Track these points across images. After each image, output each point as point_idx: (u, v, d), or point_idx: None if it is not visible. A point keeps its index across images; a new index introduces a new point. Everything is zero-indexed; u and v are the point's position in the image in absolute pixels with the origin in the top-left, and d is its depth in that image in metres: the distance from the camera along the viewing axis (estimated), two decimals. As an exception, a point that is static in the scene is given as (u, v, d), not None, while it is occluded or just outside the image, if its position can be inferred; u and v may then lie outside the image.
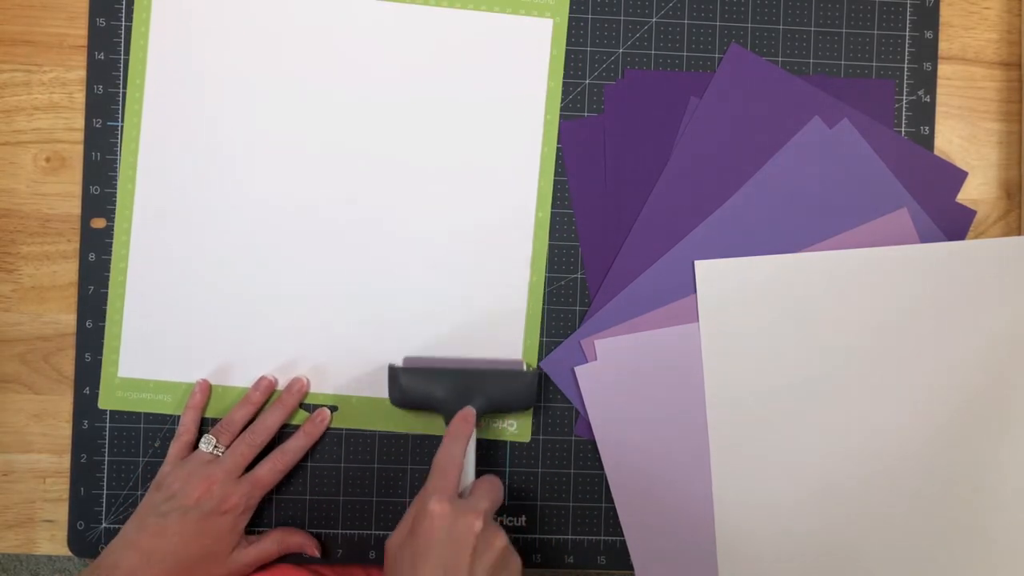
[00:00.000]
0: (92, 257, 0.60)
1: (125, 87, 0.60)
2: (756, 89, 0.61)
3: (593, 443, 0.61)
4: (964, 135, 0.63)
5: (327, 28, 0.60)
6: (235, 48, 0.60)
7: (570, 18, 0.61)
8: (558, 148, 0.61)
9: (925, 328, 0.59)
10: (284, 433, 0.59)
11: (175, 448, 0.58)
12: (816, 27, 0.62)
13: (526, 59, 0.61)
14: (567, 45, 0.61)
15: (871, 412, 0.59)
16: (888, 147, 0.61)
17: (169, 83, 0.60)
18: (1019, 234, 0.63)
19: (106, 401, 0.60)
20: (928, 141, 0.62)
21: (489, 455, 0.61)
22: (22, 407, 0.60)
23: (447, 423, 0.55)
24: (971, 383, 0.59)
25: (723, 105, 0.61)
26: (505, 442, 0.61)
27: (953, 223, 0.61)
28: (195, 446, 0.58)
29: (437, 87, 0.60)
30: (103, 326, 0.60)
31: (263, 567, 0.58)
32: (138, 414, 0.60)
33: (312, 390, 0.60)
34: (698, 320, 0.60)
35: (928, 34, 0.62)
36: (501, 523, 0.60)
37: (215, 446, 0.57)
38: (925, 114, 0.62)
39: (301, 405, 0.60)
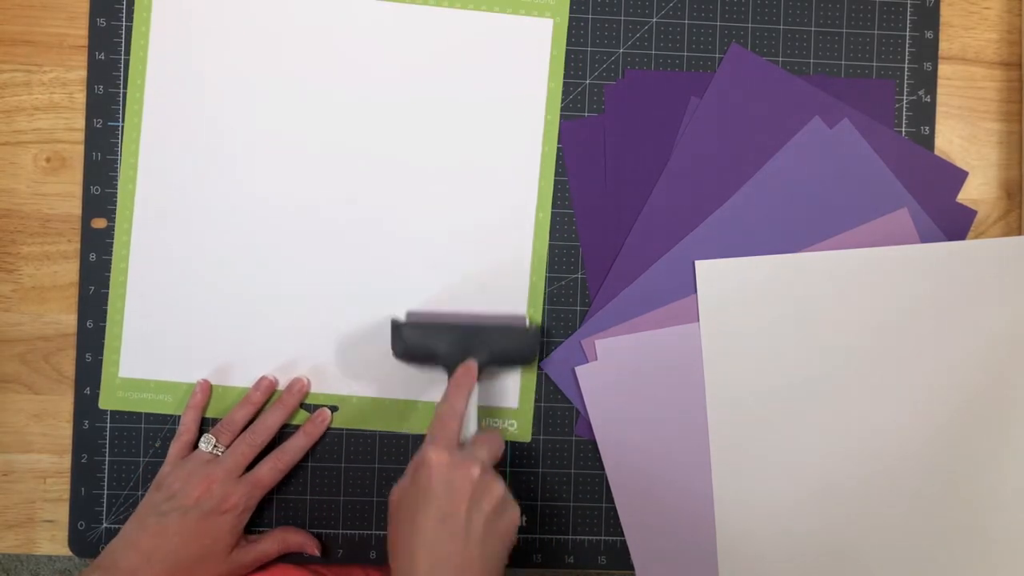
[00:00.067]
0: (92, 257, 0.60)
1: (125, 87, 0.60)
2: (756, 89, 0.61)
3: (593, 443, 0.61)
4: (964, 135, 0.63)
5: (327, 28, 0.60)
6: (235, 48, 0.60)
7: (570, 18, 0.61)
8: (558, 148, 0.61)
9: (925, 328, 0.59)
10: (284, 433, 0.60)
11: (175, 448, 0.58)
12: (816, 27, 0.62)
13: (526, 59, 0.61)
14: (567, 45, 0.61)
15: (871, 412, 0.59)
16: (888, 147, 0.61)
17: (169, 83, 0.60)
18: (1019, 234, 0.63)
19: (106, 401, 0.60)
20: (928, 141, 0.62)
21: (489, 455, 0.61)
22: (22, 407, 0.61)
23: (449, 377, 0.55)
24: (971, 383, 0.59)
25: (723, 105, 0.61)
26: (505, 442, 0.61)
27: (953, 223, 0.61)
28: (195, 446, 0.58)
29: (437, 87, 0.60)
30: (103, 326, 0.60)
31: (263, 567, 0.58)
32: (138, 414, 0.60)
33: (312, 390, 0.60)
34: (698, 320, 0.60)
35: (928, 34, 0.62)
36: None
37: (215, 446, 0.57)
38: (925, 114, 0.62)
39: (301, 405, 0.60)
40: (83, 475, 0.60)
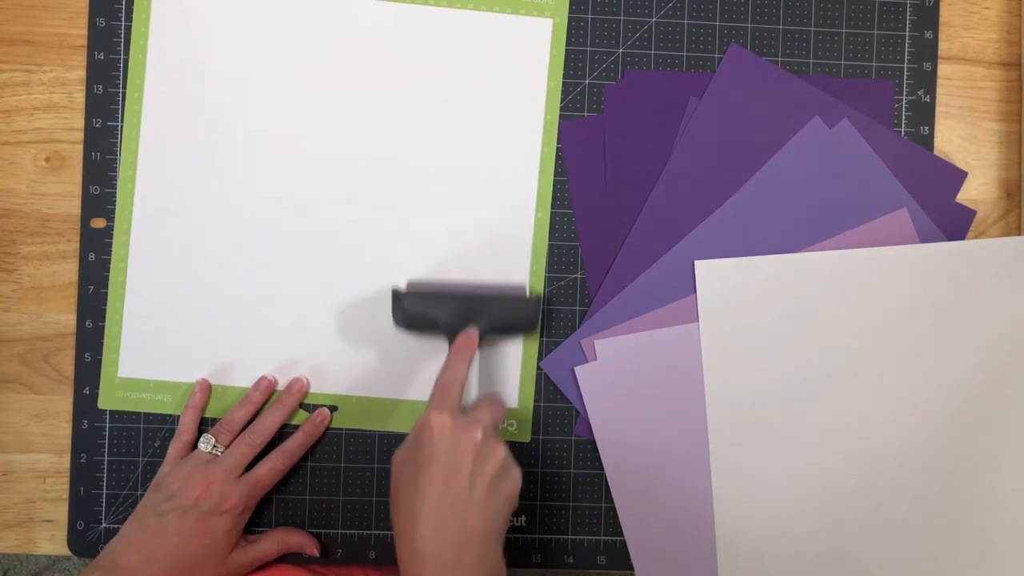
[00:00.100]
0: (92, 257, 0.60)
1: (125, 87, 0.60)
2: (756, 89, 0.61)
3: (593, 443, 0.61)
4: (964, 135, 0.63)
5: (327, 28, 0.60)
6: (235, 48, 0.60)
7: (570, 18, 0.61)
8: (558, 148, 0.61)
9: (925, 328, 0.59)
10: (284, 433, 0.59)
11: (175, 448, 0.58)
12: (816, 27, 0.62)
13: (526, 59, 0.61)
14: (567, 45, 0.61)
15: (871, 412, 0.59)
16: (888, 147, 0.61)
17: (169, 83, 0.60)
18: (1019, 234, 0.63)
19: (106, 401, 0.60)
20: (928, 141, 0.62)
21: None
22: (22, 407, 0.60)
23: (450, 345, 0.55)
24: (971, 383, 0.59)
25: (723, 105, 0.61)
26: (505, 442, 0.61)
27: (953, 223, 0.61)
28: (195, 446, 0.58)
29: (437, 87, 0.60)
30: (103, 326, 0.60)
31: (262, 567, 0.58)
32: (138, 414, 0.60)
33: (312, 390, 0.60)
34: (698, 320, 0.60)
35: (928, 34, 0.62)
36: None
37: (214, 446, 0.57)
38: (925, 114, 0.62)
39: (301, 405, 0.60)
40: (82, 475, 0.60)
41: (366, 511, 0.61)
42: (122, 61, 0.60)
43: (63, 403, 0.60)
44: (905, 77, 0.62)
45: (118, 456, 0.60)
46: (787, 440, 0.60)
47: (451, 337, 0.56)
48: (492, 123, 0.60)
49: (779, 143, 0.61)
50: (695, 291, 0.60)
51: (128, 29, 0.60)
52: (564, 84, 0.61)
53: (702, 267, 0.60)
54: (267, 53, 0.60)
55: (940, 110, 0.62)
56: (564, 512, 0.61)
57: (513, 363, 0.61)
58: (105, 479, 0.60)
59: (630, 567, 0.60)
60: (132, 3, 0.60)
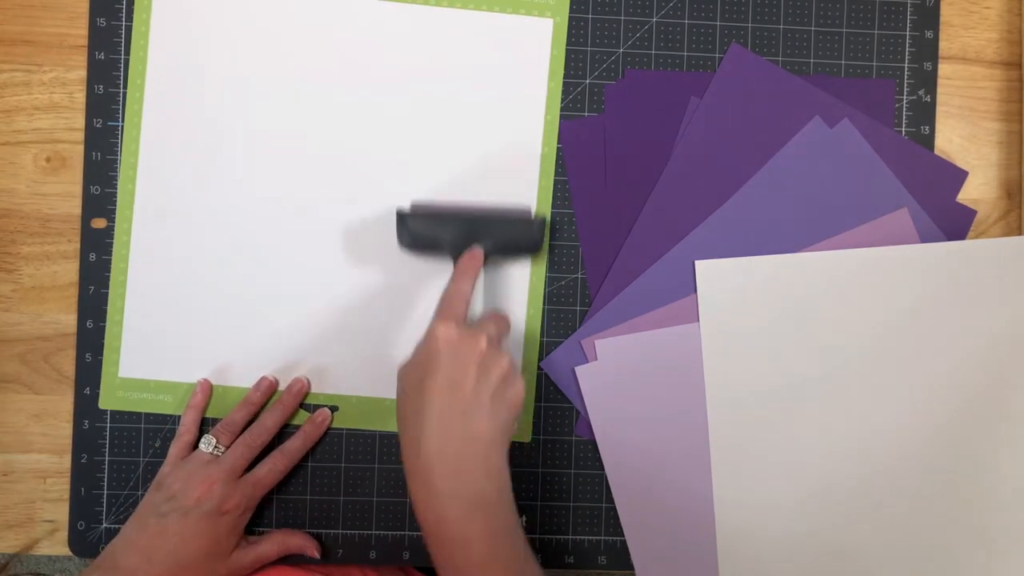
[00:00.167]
0: (92, 257, 0.60)
1: (125, 87, 0.60)
2: (756, 89, 0.61)
3: (593, 443, 0.61)
4: (964, 135, 0.63)
5: (327, 28, 0.60)
6: (235, 48, 0.60)
7: (570, 18, 0.61)
8: (558, 148, 0.61)
9: (925, 328, 0.59)
10: (285, 433, 0.60)
11: (175, 448, 0.58)
12: (816, 27, 0.61)
13: (526, 59, 0.61)
14: (567, 45, 0.61)
15: (871, 412, 0.59)
16: (888, 147, 0.61)
17: (169, 83, 0.60)
18: (1019, 234, 0.63)
19: (106, 401, 0.60)
20: (928, 141, 0.62)
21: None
22: (22, 407, 0.61)
23: (455, 266, 0.56)
24: (971, 383, 0.59)
25: (723, 105, 0.61)
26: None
27: (953, 223, 0.61)
28: (195, 446, 0.58)
29: (437, 87, 0.60)
30: (103, 326, 0.60)
31: (261, 568, 0.58)
32: (138, 414, 0.60)
33: (312, 390, 0.60)
34: (698, 320, 0.60)
35: (928, 34, 0.62)
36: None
37: (215, 446, 0.57)
38: (925, 114, 0.62)
39: (301, 405, 0.60)
40: (83, 475, 0.60)
41: (366, 511, 0.61)
42: (122, 61, 0.60)
43: (63, 403, 0.60)
44: (905, 77, 0.62)
45: (119, 456, 0.60)
46: (787, 440, 0.60)
47: (455, 258, 0.56)
48: (492, 123, 0.60)
49: (779, 143, 0.61)
50: (695, 291, 0.60)
51: (128, 29, 0.60)
52: (564, 84, 0.61)
53: (702, 267, 0.60)
54: (267, 53, 0.60)
55: (940, 110, 0.62)
56: (564, 512, 0.61)
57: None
58: (106, 479, 0.60)
59: (630, 567, 0.60)
60: (132, 3, 0.60)
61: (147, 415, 0.60)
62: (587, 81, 0.61)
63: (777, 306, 0.60)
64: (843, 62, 0.62)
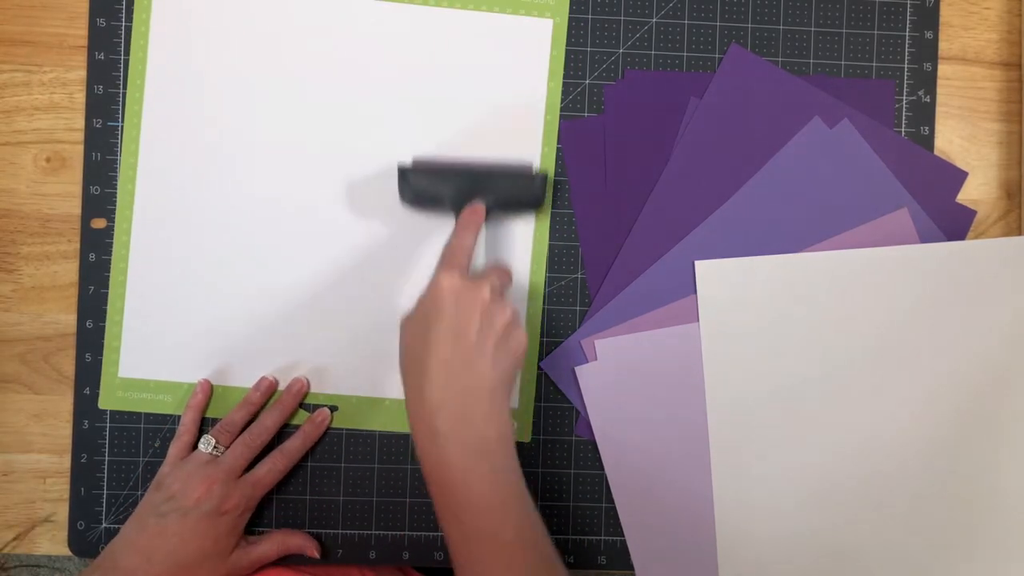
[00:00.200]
0: (92, 257, 0.60)
1: (125, 87, 0.60)
2: (756, 89, 0.61)
3: (593, 443, 0.61)
4: (964, 135, 0.63)
5: (327, 28, 0.60)
6: (235, 48, 0.60)
7: (570, 18, 0.61)
8: (558, 148, 0.61)
9: (925, 328, 0.59)
10: (284, 433, 0.60)
11: (175, 448, 0.58)
12: (816, 27, 0.62)
13: (526, 59, 0.61)
14: (567, 45, 0.61)
15: (871, 412, 0.59)
16: (888, 147, 0.61)
17: (169, 83, 0.60)
18: (1019, 234, 0.63)
19: (106, 401, 0.60)
20: (928, 141, 0.62)
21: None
22: (22, 407, 0.60)
23: (457, 220, 0.56)
24: (971, 383, 0.59)
25: (723, 105, 0.61)
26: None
27: (953, 223, 0.61)
28: (195, 446, 0.58)
29: (437, 87, 0.60)
30: (103, 326, 0.60)
31: (262, 568, 0.58)
32: (138, 414, 0.60)
33: (312, 390, 0.60)
34: (698, 320, 0.60)
35: (928, 34, 0.62)
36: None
37: (215, 447, 0.57)
38: (925, 114, 0.62)
39: (301, 405, 0.60)
40: (83, 475, 0.60)
41: (366, 511, 0.61)
42: (122, 61, 0.60)
43: (63, 403, 0.60)
44: (905, 77, 0.62)
45: (118, 456, 0.60)
46: (787, 440, 0.60)
47: (457, 213, 0.56)
48: (492, 123, 0.60)
49: (779, 143, 0.61)
50: (695, 291, 0.60)
51: (128, 29, 0.60)
52: (564, 84, 0.61)
53: (702, 267, 0.60)
54: (267, 53, 0.60)
55: (940, 110, 0.62)
56: (564, 512, 0.61)
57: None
58: (105, 479, 0.60)
59: (630, 567, 0.60)
60: (132, 3, 0.60)
61: (147, 415, 0.60)
62: (587, 81, 0.61)
63: (777, 306, 0.60)
64: (843, 62, 0.62)
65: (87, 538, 0.60)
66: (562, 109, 0.61)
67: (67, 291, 0.60)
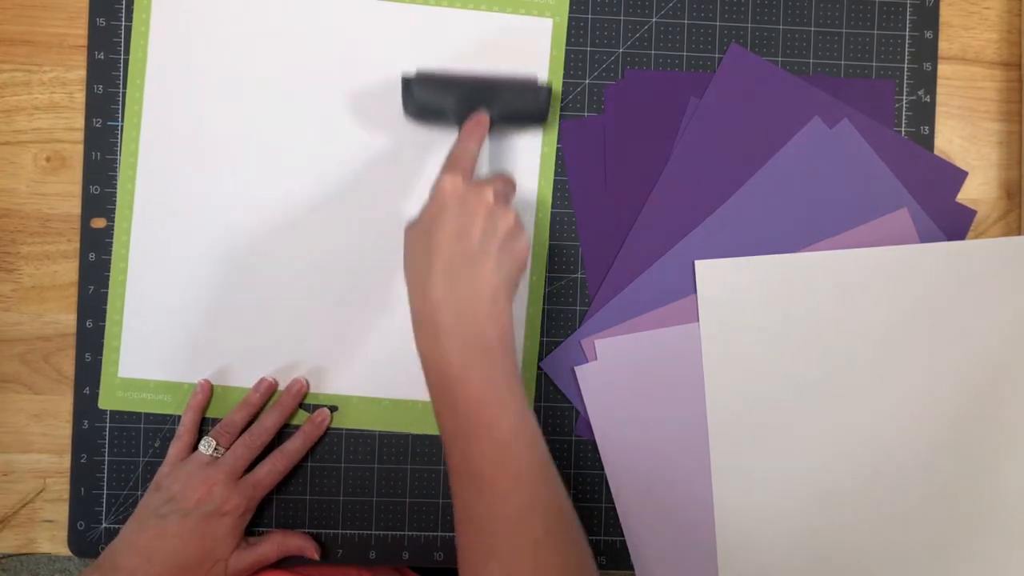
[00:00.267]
0: (92, 257, 0.60)
1: (125, 87, 0.60)
2: (756, 89, 0.61)
3: (593, 443, 0.61)
4: (964, 135, 0.63)
5: (327, 28, 0.60)
6: (235, 48, 0.60)
7: (570, 18, 0.61)
8: (558, 148, 0.61)
9: (925, 328, 0.59)
10: (285, 433, 0.60)
11: (175, 449, 0.58)
12: (816, 27, 0.62)
13: (526, 59, 0.61)
14: (567, 45, 0.61)
15: (871, 411, 0.59)
16: (888, 147, 0.61)
17: (169, 83, 0.60)
18: (1019, 234, 0.63)
19: (106, 401, 0.60)
20: (928, 141, 0.62)
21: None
22: (22, 407, 0.60)
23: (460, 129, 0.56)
24: (971, 383, 0.59)
25: (723, 105, 0.61)
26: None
27: (953, 223, 0.61)
28: (195, 447, 0.58)
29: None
30: (103, 326, 0.60)
31: (262, 569, 0.58)
32: (138, 414, 0.60)
33: (312, 390, 0.60)
34: (698, 320, 0.60)
35: (928, 34, 0.62)
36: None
37: (215, 448, 0.57)
38: (925, 114, 0.62)
39: (301, 405, 0.60)
40: (83, 475, 0.60)
41: (366, 511, 0.61)
42: (122, 61, 0.60)
43: (63, 403, 0.60)
44: (905, 77, 0.62)
45: (118, 456, 0.60)
46: (787, 440, 0.60)
47: (461, 126, 0.56)
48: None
49: (779, 143, 0.61)
50: (695, 291, 0.60)
51: (128, 29, 0.60)
52: (564, 84, 0.61)
53: (702, 267, 0.60)
54: (267, 53, 0.60)
55: (940, 110, 0.62)
56: (564, 512, 0.61)
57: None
58: (105, 479, 0.60)
59: (630, 567, 0.60)
60: (132, 3, 0.60)
61: (147, 415, 0.60)
62: (587, 81, 0.61)
63: (777, 306, 0.60)
64: (843, 62, 0.62)
65: (87, 538, 0.60)
66: (562, 109, 0.61)
67: (67, 291, 0.60)
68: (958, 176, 0.62)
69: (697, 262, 0.60)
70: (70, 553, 0.60)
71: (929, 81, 0.62)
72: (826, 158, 0.61)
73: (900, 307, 0.59)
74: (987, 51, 0.63)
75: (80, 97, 0.60)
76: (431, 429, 0.61)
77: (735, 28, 0.61)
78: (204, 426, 0.60)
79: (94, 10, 0.60)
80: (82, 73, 0.60)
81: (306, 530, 0.60)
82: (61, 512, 0.60)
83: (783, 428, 0.60)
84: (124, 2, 0.60)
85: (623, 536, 0.60)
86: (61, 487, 0.61)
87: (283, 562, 0.59)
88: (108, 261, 0.60)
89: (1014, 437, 0.58)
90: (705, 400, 0.60)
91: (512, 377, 0.49)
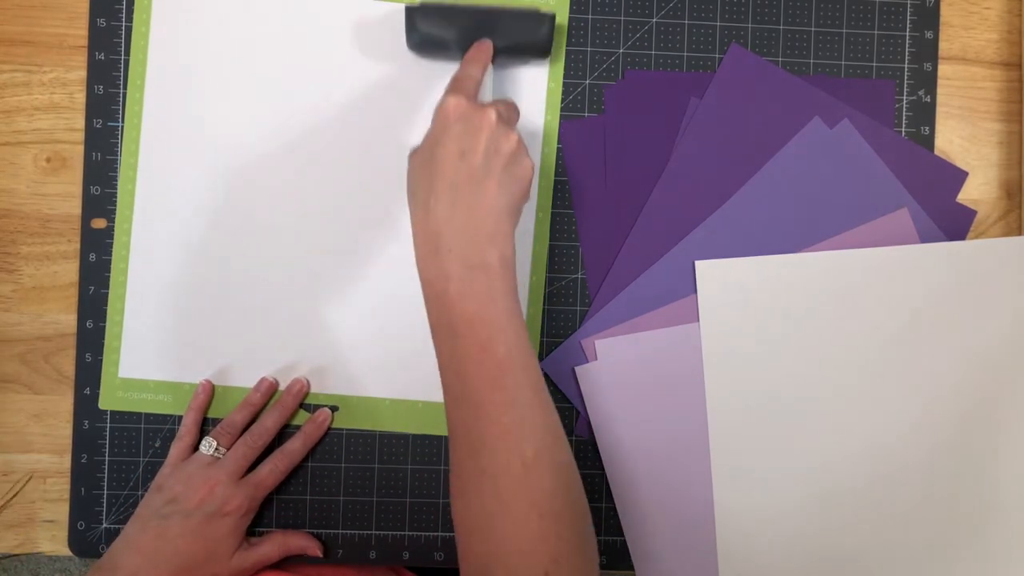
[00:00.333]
0: (92, 257, 0.60)
1: (125, 87, 0.60)
2: (756, 89, 0.61)
3: (593, 443, 0.61)
4: (964, 135, 0.63)
5: (327, 28, 0.60)
6: (235, 48, 0.60)
7: (570, 18, 0.61)
8: (558, 148, 0.61)
9: (925, 328, 0.59)
10: (286, 433, 0.60)
11: (176, 450, 0.58)
12: (816, 27, 0.62)
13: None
14: (567, 45, 0.61)
15: (871, 411, 0.59)
16: (888, 147, 0.61)
17: (169, 83, 0.60)
18: (1019, 234, 0.63)
19: (106, 401, 0.60)
20: (928, 141, 0.62)
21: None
22: (22, 407, 0.61)
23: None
24: (971, 383, 0.59)
25: (723, 105, 0.61)
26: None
27: (953, 223, 0.61)
28: (196, 448, 0.58)
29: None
30: (103, 326, 0.60)
31: (264, 569, 0.58)
32: (138, 414, 0.60)
33: (313, 390, 0.60)
34: (698, 320, 0.60)
35: (928, 34, 0.62)
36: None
37: (216, 449, 0.57)
38: (925, 114, 0.62)
39: (302, 405, 0.60)
40: (83, 475, 0.60)
41: (366, 511, 0.61)
42: (122, 61, 0.60)
43: (63, 403, 0.60)
44: (905, 77, 0.62)
45: (119, 456, 0.60)
46: (787, 440, 0.60)
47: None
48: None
49: (779, 143, 0.61)
50: (695, 291, 0.60)
51: (128, 29, 0.60)
52: (564, 84, 0.61)
53: (702, 267, 0.60)
54: (268, 53, 0.60)
55: (940, 110, 0.62)
56: (564, 512, 0.61)
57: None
58: (106, 479, 0.60)
59: (630, 567, 0.60)
60: (132, 3, 0.60)
61: (147, 415, 0.60)
62: (587, 81, 0.61)
63: (777, 306, 0.60)
64: (843, 62, 0.62)
65: (87, 538, 0.60)
66: (562, 109, 0.61)
67: (67, 291, 0.60)
68: (958, 176, 0.62)
69: (697, 262, 0.60)
70: (70, 553, 0.60)
71: (929, 81, 0.62)
72: (826, 158, 0.61)
73: (900, 307, 0.59)
74: (987, 51, 0.63)
75: (80, 98, 0.60)
76: (431, 429, 0.61)
77: (735, 28, 0.61)
78: (205, 426, 0.60)
79: (94, 10, 0.60)
80: (82, 74, 0.60)
81: (306, 530, 0.60)
82: (61, 512, 0.60)
83: (783, 428, 0.60)
84: (124, 3, 0.60)
85: (623, 536, 0.60)
86: (61, 487, 0.61)
87: (282, 562, 0.59)
88: (108, 261, 0.60)
89: (1014, 437, 0.58)
90: (705, 400, 0.60)
91: (511, 300, 0.49)
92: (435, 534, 0.61)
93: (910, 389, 0.59)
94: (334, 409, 0.60)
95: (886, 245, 0.60)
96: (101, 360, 0.60)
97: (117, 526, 0.60)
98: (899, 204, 0.61)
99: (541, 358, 0.61)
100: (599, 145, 0.61)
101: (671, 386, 0.60)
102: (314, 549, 0.59)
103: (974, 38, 0.63)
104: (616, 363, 0.60)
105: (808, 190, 0.61)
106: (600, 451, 0.60)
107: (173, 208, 0.60)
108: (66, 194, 0.60)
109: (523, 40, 0.57)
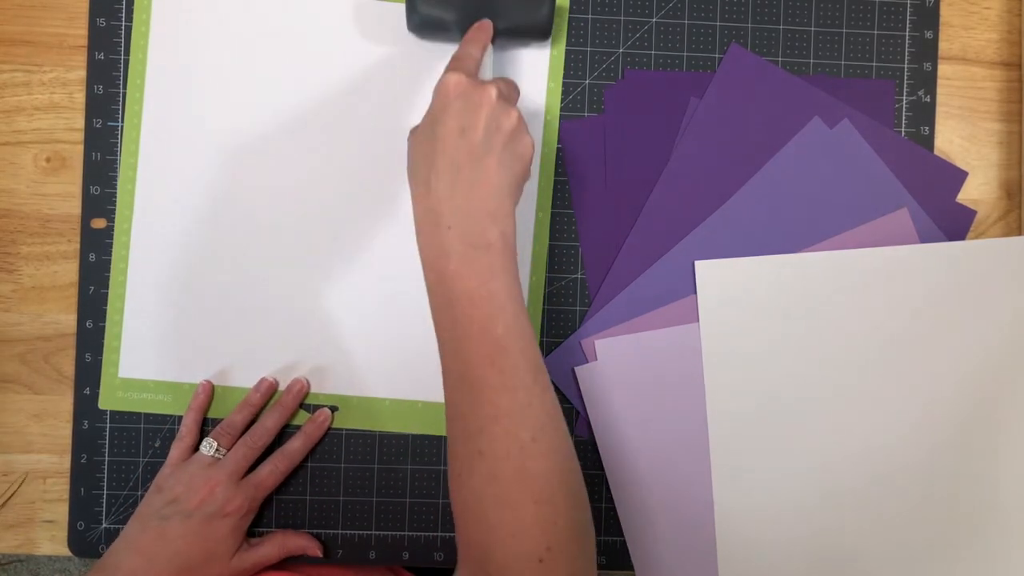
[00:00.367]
0: (92, 257, 0.60)
1: (125, 87, 0.60)
2: (756, 89, 0.61)
3: (593, 443, 0.61)
4: (964, 135, 0.63)
5: (328, 28, 0.60)
6: (235, 48, 0.60)
7: (570, 18, 0.61)
8: (558, 148, 0.61)
9: (925, 328, 0.59)
10: (286, 433, 0.60)
11: (176, 451, 0.58)
12: (816, 27, 0.62)
13: (526, 59, 0.61)
14: (567, 45, 0.61)
15: (871, 411, 0.59)
16: (888, 147, 0.61)
17: (169, 83, 0.60)
18: (1019, 234, 0.63)
19: (106, 401, 0.60)
20: (928, 141, 0.62)
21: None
22: (22, 407, 0.60)
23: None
24: (971, 383, 0.59)
25: (723, 105, 0.61)
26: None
27: (953, 223, 0.61)
28: (196, 449, 0.58)
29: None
30: (103, 326, 0.60)
31: (264, 569, 0.58)
32: (138, 414, 0.60)
33: (313, 390, 0.60)
34: (698, 320, 0.60)
35: (928, 34, 0.62)
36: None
37: (216, 449, 0.57)
38: (925, 114, 0.62)
39: (302, 405, 0.60)
40: (83, 475, 0.60)
41: (366, 511, 0.61)
42: (122, 61, 0.60)
43: (63, 403, 0.60)
44: (905, 77, 0.62)
45: (118, 456, 0.60)
46: (787, 440, 0.60)
47: None
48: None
49: (779, 143, 0.61)
50: (695, 291, 0.60)
51: (128, 29, 0.60)
52: (564, 84, 0.61)
53: (702, 267, 0.60)
54: (268, 52, 0.60)
55: (940, 110, 0.62)
56: (564, 512, 0.61)
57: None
58: (106, 479, 0.60)
59: (630, 567, 0.60)
60: (132, 3, 0.60)
61: (147, 415, 0.60)
62: (587, 81, 0.61)
63: (777, 306, 0.60)
64: (843, 62, 0.62)
65: (87, 538, 0.60)
66: (562, 109, 0.61)
67: (67, 291, 0.60)
68: (958, 176, 0.62)
69: (697, 262, 0.60)
70: (70, 553, 0.60)
71: (929, 81, 0.62)
72: (826, 158, 0.61)
73: (900, 307, 0.59)
74: (987, 51, 0.63)
75: (80, 97, 0.60)
76: (431, 429, 0.61)
77: (735, 28, 0.61)
78: (205, 427, 0.60)
79: (94, 10, 0.60)
80: (82, 73, 0.60)
81: (306, 531, 0.60)
82: (61, 512, 0.60)
83: (783, 428, 0.60)
84: (124, 2, 0.60)
85: (623, 536, 0.60)
86: (61, 487, 0.61)
87: (282, 562, 0.59)
88: (108, 261, 0.60)
89: (1014, 437, 0.58)
90: (705, 400, 0.60)
91: (511, 279, 0.48)
92: (435, 534, 0.61)
93: (910, 389, 0.59)
94: (334, 409, 0.60)
95: (886, 245, 0.60)
96: (101, 360, 0.60)
97: (117, 526, 0.60)
98: (899, 204, 0.61)
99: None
100: (599, 145, 0.61)
101: (671, 386, 0.60)
102: (314, 549, 0.59)
103: (974, 38, 0.63)
104: (616, 363, 0.60)
105: (808, 190, 0.61)
106: (600, 451, 0.60)
107: (173, 208, 0.60)
108: (66, 194, 0.60)
109: (523, 21, 0.57)
